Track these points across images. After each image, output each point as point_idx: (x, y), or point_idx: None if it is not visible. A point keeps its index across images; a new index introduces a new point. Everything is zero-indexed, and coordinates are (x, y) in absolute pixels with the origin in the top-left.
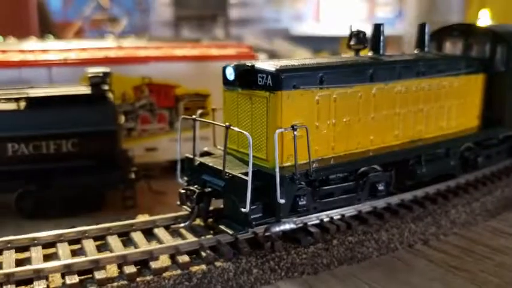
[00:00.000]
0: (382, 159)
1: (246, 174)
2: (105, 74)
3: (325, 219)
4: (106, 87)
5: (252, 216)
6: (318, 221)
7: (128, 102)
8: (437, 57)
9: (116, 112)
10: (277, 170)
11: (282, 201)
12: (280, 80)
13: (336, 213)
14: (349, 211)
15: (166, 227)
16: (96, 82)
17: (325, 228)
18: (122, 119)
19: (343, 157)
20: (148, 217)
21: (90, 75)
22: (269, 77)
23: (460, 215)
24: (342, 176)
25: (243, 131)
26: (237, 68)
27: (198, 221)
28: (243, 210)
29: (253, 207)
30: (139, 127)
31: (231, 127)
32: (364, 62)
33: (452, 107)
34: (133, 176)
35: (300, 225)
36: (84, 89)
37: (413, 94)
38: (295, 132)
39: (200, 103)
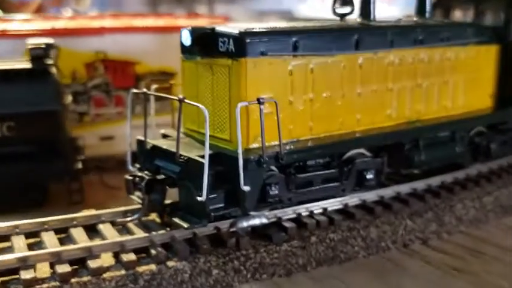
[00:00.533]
0: (370, 141)
1: (203, 157)
2: (48, 46)
3: (304, 213)
4: (49, 61)
5: (211, 207)
6: (294, 215)
7: (78, 82)
8: (440, 24)
9: (59, 90)
10: (239, 151)
11: (247, 188)
12: (244, 45)
13: (316, 207)
14: (333, 204)
15: (114, 223)
16: (38, 55)
17: (303, 223)
18: (68, 98)
19: (323, 139)
20: (93, 211)
21: (30, 47)
22: (231, 41)
23: (468, 211)
24: (323, 163)
25: (197, 104)
26: (194, 32)
27: (153, 217)
28: (199, 198)
29: (213, 195)
30: (93, 111)
31: (185, 100)
32: (348, 26)
33: (458, 83)
34: (80, 166)
35: (273, 219)
36: (23, 64)
37: (410, 66)
38: (261, 107)
39: (164, 82)
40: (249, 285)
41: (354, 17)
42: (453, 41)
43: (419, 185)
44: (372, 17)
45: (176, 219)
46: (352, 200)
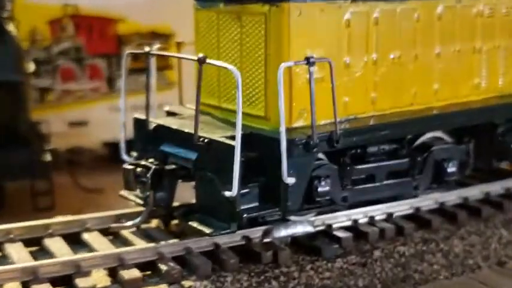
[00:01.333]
0: (453, 120)
1: (232, 138)
2: None
3: (362, 220)
4: (5, 14)
5: (242, 206)
6: (349, 222)
7: (39, 46)
8: None
9: (20, 54)
10: (282, 129)
11: (291, 180)
12: None
13: (378, 212)
14: (400, 208)
15: (104, 231)
16: None
17: (362, 233)
18: (31, 67)
19: (390, 116)
20: (73, 217)
21: None
22: None
23: None
24: (389, 149)
25: (226, 65)
26: None
27: (155, 223)
28: (227, 194)
29: (245, 190)
30: (59, 87)
31: (208, 60)
32: None
33: None
34: (49, 158)
35: (321, 227)
36: None
37: (504, 19)
38: (311, 69)
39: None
40: None
41: None
42: None
43: None
44: None
45: (194, 224)
46: (426, 202)
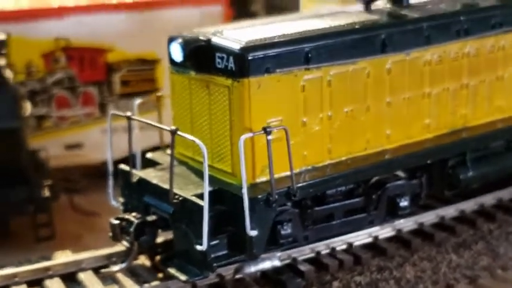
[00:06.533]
0: (404, 163)
1: (202, 196)
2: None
3: (324, 252)
4: (2, 61)
5: (212, 255)
6: (313, 254)
7: (35, 78)
8: (492, 5)
9: (19, 101)
10: (244, 190)
11: (254, 233)
12: (246, 63)
13: (340, 242)
14: (359, 238)
15: (97, 270)
16: None
17: (323, 264)
18: (28, 109)
19: (345, 164)
20: (70, 255)
21: None
22: (231, 58)
23: None
24: (346, 190)
25: (194, 139)
26: (186, 45)
27: (142, 260)
28: (198, 248)
29: (215, 242)
30: (55, 114)
31: (179, 132)
32: (372, 24)
33: None
34: (47, 193)
35: (287, 261)
36: None
37: (452, 64)
38: (268, 137)
39: (145, 74)
40: None
41: (382, 1)
42: (508, 26)
43: (469, 205)
44: (405, 0)
45: (172, 270)
46: (384, 231)
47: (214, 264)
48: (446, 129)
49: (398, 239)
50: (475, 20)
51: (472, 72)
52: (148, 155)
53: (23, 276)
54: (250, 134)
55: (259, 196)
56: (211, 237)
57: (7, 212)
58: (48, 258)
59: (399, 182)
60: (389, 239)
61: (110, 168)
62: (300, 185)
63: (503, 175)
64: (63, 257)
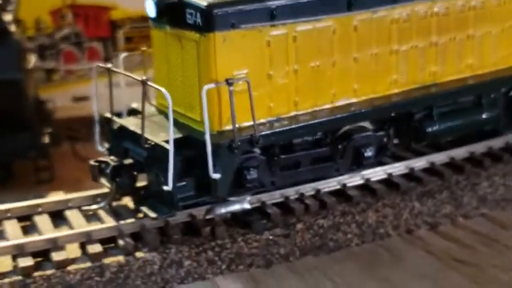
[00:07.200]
0: (368, 114)
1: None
2: (4, 1)
3: (292, 197)
4: (7, 17)
5: (179, 196)
6: (282, 199)
7: (44, 33)
8: None
9: (21, 53)
10: (207, 136)
11: (217, 176)
12: (212, 18)
13: (308, 188)
14: (328, 185)
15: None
16: None
17: (290, 208)
18: (31, 60)
19: (310, 115)
20: (62, 195)
21: None
22: (198, 14)
23: (496, 189)
24: (313, 140)
25: (160, 88)
26: (159, 2)
27: (126, 202)
28: (165, 188)
29: (182, 183)
30: (63, 67)
31: (148, 83)
32: None
33: (488, 36)
34: (47, 140)
35: (257, 205)
36: None
37: (420, 22)
38: (230, 88)
39: (147, 30)
40: (223, 277)
41: None
42: None
43: (440, 158)
44: None
45: (144, 208)
46: (353, 179)
47: (180, 204)
48: (414, 84)
49: (365, 187)
50: None
51: (441, 31)
52: (133, 105)
53: (15, 212)
54: (213, 85)
55: (222, 142)
56: (179, 179)
57: (10, 156)
58: (43, 198)
59: (365, 134)
60: (357, 187)
61: (96, 116)
62: (263, 133)
63: (471, 130)
64: (53, 197)
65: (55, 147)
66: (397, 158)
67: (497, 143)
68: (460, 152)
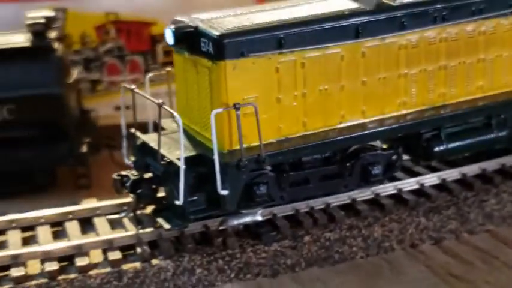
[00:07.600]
0: (375, 135)
1: (185, 159)
2: (50, 20)
3: (303, 210)
4: (51, 35)
5: (191, 209)
6: (292, 212)
7: (89, 47)
8: None
9: (63, 69)
10: (215, 156)
11: (225, 192)
12: (223, 47)
13: (319, 202)
14: (338, 200)
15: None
16: (37, 31)
17: (299, 221)
18: (75, 74)
19: (318, 135)
20: (93, 203)
21: (28, 23)
22: (210, 43)
23: (504, 206)
24: (322, 158)
25: (173, 112)
26: (176, 31)
27: (149, 211)
28: (176, 202)
29: (193, 198)
30: (106, 79)
31: (164, 106)
32: (344, 12)
33: (499, 59)
34: (85, 148)
35: (268, 217)
36: (22, 40)
37: (429, 48)
38: (237, 112)
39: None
40: (231, 284)
41: None
42: (490, 12)
43: (453, 174)
44: None
45: (160, 219)
46: (363, 194)
47: (192, 217)
48: (424, 106)
49: (374, 201)
50: (453, 7)
51: (450, 55)
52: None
53: (48, 219)
54: (220, 110)
55: (230, 161)
56: (192, 194)
57: (50, 164)
58: (76, 205)
59: (373, 152)
60: (366, 202)
61: (124, 131)
62: (269, 153)
63: (480, 149)
64: (85, 204)
65: (94, 155)
66: (410, 173)
67: (510, 160)
68: (472, 169)
